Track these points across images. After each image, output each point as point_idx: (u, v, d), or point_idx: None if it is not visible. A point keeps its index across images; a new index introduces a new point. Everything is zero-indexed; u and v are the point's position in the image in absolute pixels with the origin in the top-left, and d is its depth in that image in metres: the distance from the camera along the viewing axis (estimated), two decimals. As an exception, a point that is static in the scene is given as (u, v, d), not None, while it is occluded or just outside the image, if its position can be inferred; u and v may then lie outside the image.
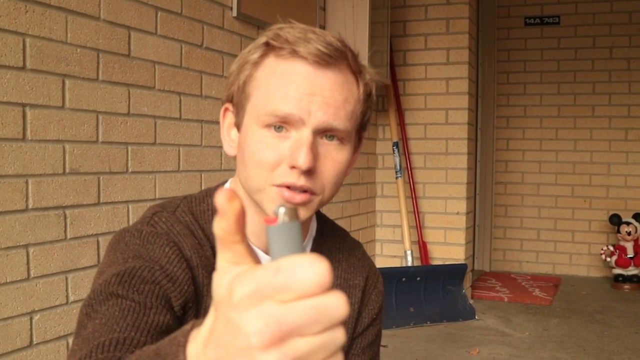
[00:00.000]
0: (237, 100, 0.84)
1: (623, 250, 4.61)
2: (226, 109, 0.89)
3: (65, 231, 1.76)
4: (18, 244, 1.62)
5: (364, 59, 3.13)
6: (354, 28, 3.34)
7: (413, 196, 4.01)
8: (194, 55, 2.28)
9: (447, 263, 3.94)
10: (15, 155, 1.60)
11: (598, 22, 5.03)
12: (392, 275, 3.55)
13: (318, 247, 0.97)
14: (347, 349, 0.99)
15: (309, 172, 0.79)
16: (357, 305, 0.99)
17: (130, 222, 1.97)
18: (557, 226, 5.17)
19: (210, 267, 0.84)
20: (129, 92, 1.98)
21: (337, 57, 0.79)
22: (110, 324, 0.68)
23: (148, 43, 2.05)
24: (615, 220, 4.69)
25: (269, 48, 0.81)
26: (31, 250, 1.65)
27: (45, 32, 1.68)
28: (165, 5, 2.13)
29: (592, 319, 3.77)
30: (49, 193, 1.70)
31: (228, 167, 2.47)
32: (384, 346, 3.15)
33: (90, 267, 1.84)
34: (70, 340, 1.76)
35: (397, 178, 4.00)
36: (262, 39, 0.82)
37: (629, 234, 4.60)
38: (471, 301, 3.94)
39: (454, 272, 3.79)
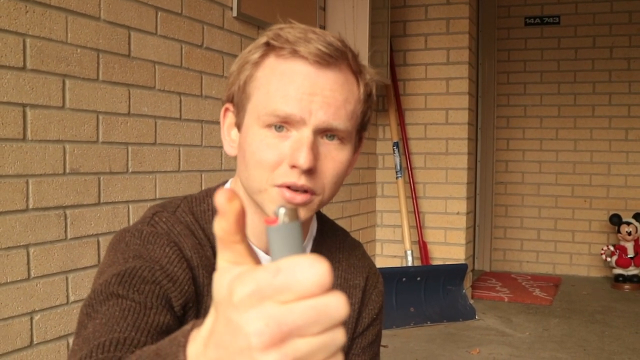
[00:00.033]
0: (238, 101, 0.84)
1: (623, 250, 4.61)
2: (226, 109, 0.89)
3: (65, 231, 1.76)
4: (18, 244, 1.62)
5: (364, 59, 3.13)
6: (354, 28, 3.35)
7: (413, 196, 4.01)
8: (194, 56, 2.29)
9: (447, 263, 3.94)
10: (16, 155, 1.60)
11: (598, 22, 5.03)
12: (393, 275, 3.55)
13: (318, 247, 0.97)
14: (347, 349, 0.99)
15: (310, 172, 0.79)
16: (357, 305, 0.99)
17: (131, 222, 1.97)
18: (558, 226, 5.17)
19: (210, 267, 0.84)
20: (129, 92, 1.98)
21: (337, 57, 0.79)
22: (111, 324, 0.69)
23: (148, 43, 2.05)
24: (616, 220, 4.69)
25: (269, 48, 0.81)
26: (31, 250, 1.65)
27: (45, 33, 1.68)
28: (166, 5, 2.13)
29: (592, 319, 3.77)
30: (49, 193, 1.70)
31: (228, 167, 2.47)
32: (384, 346, 3.16)
33: (91, 267, 1.84)
34: (71, 340, 1.76)
35: (397, 178, 4.00)
36: (263, 39, 0.82)
37: (629, 234, 4.60)
38: (471, 301, 3.94)
39: (454, 272, 3.79)
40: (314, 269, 0.34)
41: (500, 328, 3.57)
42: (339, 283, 0.98)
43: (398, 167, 3.98)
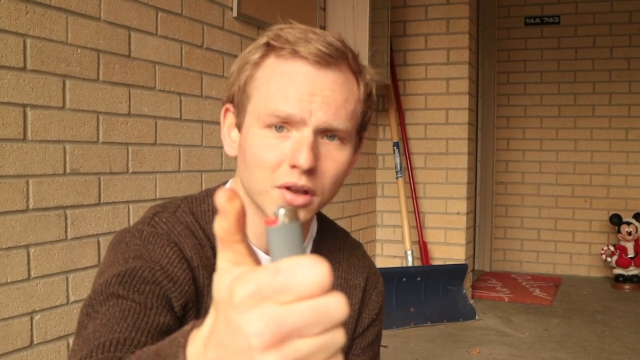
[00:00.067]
0: (238, 101, 0.84)
1: (623, 250, 4.61)
2: (227, 110, 0.89)
3: (65, 231, 1.76)
4: (19, 244, 1.62)
5: (364, 59, 3.13)
6: (354, 28, 3.35)
7: (413, 196, 4.01)
8: (194, 56, 2.29)
9: (447, 263, 3.94)
10: (16, 155, 1.61)
11: (598, 22, 5.03)
12: (393, 275, 3.55)
13: (318, 247, 0.97)
14: (347, 350, 0.99)
15: (310, 172, 0.79)
16: (357, 305, 0.99)
17: (131, 222, 1.98)
18: (558, 226, 5.17)
19: (210, 267, 0.84)
20: (129, 93, 1.98)
21: (337, 57, 0.79)
22: (111, 324, 0.69)
23: (148, 43, 2.06)
24: (616, 220, 4.69)
25: (269, 48, 0.81)
26: (32, 250, 1.66)
27: (45, 33, 1.68)
28: (166, 5, 2.13)
29: (592, 319, 3.77)
30: (49, 193, 1.70)
31: (228, 168, 2.47)
32: (384, 346, 3.16)
33: (91, 267, 1.84)
34: (71, 341, 1.76)
35: (397, 178, 4.00)
36: (263, 40, 0.82)
37: (629, 234, 4.60)
38: (471, 301, 3.94)
39: (455, 272, 3.79)
40: (314, 270, 0.35)
41: (500, 328, 3.57)
42: (339, 283, 0.98)
43: (398, 167, 3.98)
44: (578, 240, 5.12)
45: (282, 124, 0.79)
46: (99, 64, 1.86)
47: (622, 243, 4.64)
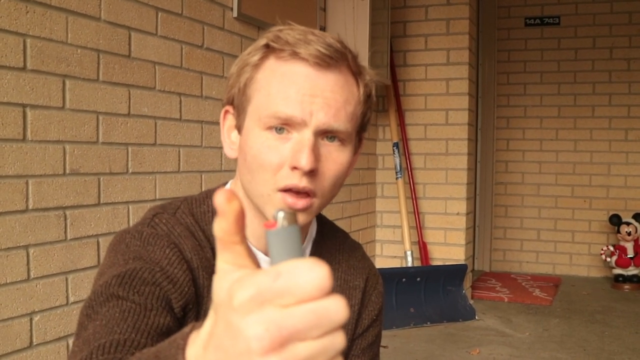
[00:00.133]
0: (238, 103, 0.84)
1: (623, 250, 4.61)
2: (226, 112, 0.88)
3: (65, 232, 1.76)
4: (18, 245, 1.62)
5: (364, 60, 3.13)
6: (355, 29, 3.35)
7: (413, 197, 4.01)
8: (195, 56, 2.29)
9: (447, 263, 3.94)
10: (16, 155, 1.61)
11: (598, 23, 5.03)
12: (392, 275, 3.55)
13: (318, 248, 0.97)
14: (347, 350, 0.99)
15: (311, 174, 0.79)
16: (357, 306, 0.99)
17: (131, 223, 1.98)
18: (557, 226, 5.17)
19: (210, 268, 0.84)
20: (129, 93, 1.98)
21: (337, 58, 0.79)
22: (111, 325, 0.69)
23: (148, 44, 2.06)
24: (615, 221, 4.70)
25: (269, 50, 0.81)
26: (31, 250, 1.65)
27: (45, 33, 1.68)
28: (166, 5, 2.13)
29: (592, 319, 3.77)
30: (49, 194, 1.70)
31: (228, 168, 2.47)
32: (384, 347, 3.16)
33: (91, 267, 1.84)
34: (71, 341, 1.76)
35: (397, 179, 4.00)
36: (262, 41, 0.82)
37: (629, 234, 4.60)
38: (471, 301, 3.94)
39: (454, 273, 3.79)
40: (314, 273, 0.35)
41: (500, 328, 3.57)
42: (339, 284, 0.98)
43: (398, 168, 3.99)
44: (578, 241, 5.12)
45: (283, 126, 0.79)
46: (99, 64, 1.86)
47: (622, 243, 4.65)
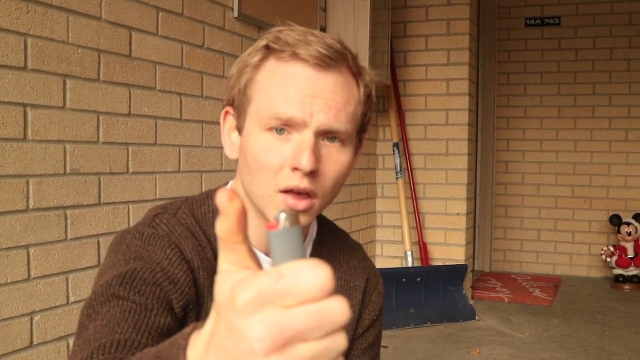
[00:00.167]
0: (239, 104, 0.84)
1: (623, 250, 4.61)
2: (227, 113, 0.88)
3: (66, 232, 1.76)
4: (19, 245, 1.62)
5: (364, 60, 3.12)
6: (355, 29, 3.35)
7: (413, 197, 4.01)
8: (195, 56, 2.29)
9: (447, 264, 3.94)
10: (16, 155, 1.61)
11: (598, 24, 5.03)
12: (393, 276, 3.55)
13: (319, 249, 0.97)
14: (347, 351, 0.99)
15: (312, 174, 0.79)
16: (357, 307, 0.99)
17: (131, 223, 1.98)
18: (558, 227, 5.17)
19: (211, 269, 0.84)
20: (130, 93, 1.98)
21: (337, 59, 0.79)
22: (112, 325, 0.69)
23: (149, 44, 2.06)
24: (616, 221, 4.70)
25: (269, 51, 0.81)
26: (32, 250, 1.66)
27: (46, 33, 1.68)
28: (167, 5, 2.13)
29: (592, 319, 3.77)
30: (49, 193, 1.70)
31: (229, 168, 2.47)
32: (384, 347, 3.16)
33: (91, 267, 1.84)
34: (71, 341, 1.76)
35: (397, 179, 4.00)
36: (262, 42, 0.82)
37: (629, 234, 4.60)
38: (472, 302, 3.94)
39: (455, 273, 3.79)
40: (316, 274, 0.35)
41: (500, 329, 3.57)
42: (340, 285, 0.98)
43: (398, 168, 3.99)
44: (578, 241, 5.12)
45: (284, 127, 0.79)
46: (99, 64, 1.86)
47: (622, 244, 4.65)
